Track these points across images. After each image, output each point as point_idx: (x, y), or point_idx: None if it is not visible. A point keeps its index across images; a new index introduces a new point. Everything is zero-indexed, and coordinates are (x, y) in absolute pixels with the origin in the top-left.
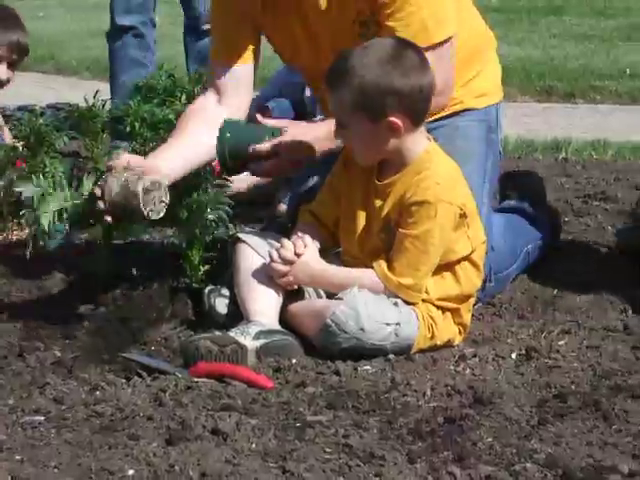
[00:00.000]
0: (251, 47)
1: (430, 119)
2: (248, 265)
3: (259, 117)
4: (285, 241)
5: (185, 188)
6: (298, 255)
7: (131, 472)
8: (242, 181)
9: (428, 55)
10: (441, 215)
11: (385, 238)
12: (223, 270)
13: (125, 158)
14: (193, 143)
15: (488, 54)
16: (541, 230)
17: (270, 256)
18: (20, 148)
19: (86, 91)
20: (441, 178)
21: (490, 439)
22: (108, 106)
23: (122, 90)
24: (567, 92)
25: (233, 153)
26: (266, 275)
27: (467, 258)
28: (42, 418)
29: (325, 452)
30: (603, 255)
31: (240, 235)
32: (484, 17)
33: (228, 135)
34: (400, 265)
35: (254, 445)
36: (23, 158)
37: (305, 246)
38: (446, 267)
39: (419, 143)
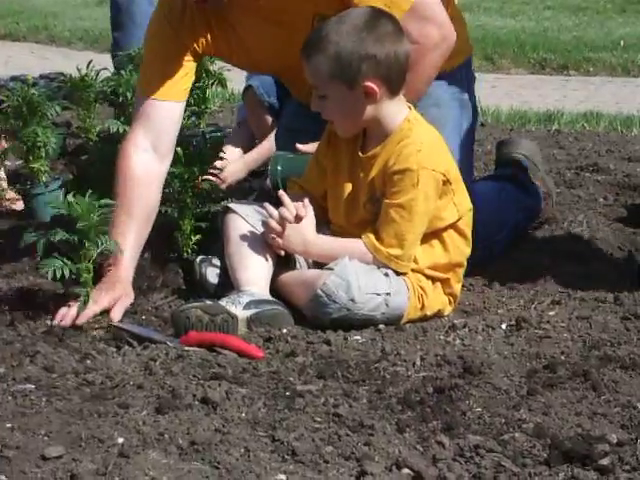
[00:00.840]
0: (187, 84)
1: None
2: (239, 235)
3: (299, 146)
4: (289, 201)
5: (177, 159)
6: (299, 218)
7: (121, 440)
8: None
9: (412, 16)
10: (424, 182)
11: (371, 209)
12: (214, 240)
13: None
14: (148, 216)
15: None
16: (534, 200)
17: (269, 213)
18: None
19: (79, 61)
20: (422, 145)
21: (479, 409)
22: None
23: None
24: (560, 64)
25: (284, 182)
26: (257, 244)
27: (454, 226)
28: (32, 386)
29: (314, 421)
30: (594, 226)
31: (230, 205)
32: None
33: (279, 168)
34: (388, 236)
35: (244, 414)
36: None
37: (305, 215)
38: (434, 235)
39: (399, 112)
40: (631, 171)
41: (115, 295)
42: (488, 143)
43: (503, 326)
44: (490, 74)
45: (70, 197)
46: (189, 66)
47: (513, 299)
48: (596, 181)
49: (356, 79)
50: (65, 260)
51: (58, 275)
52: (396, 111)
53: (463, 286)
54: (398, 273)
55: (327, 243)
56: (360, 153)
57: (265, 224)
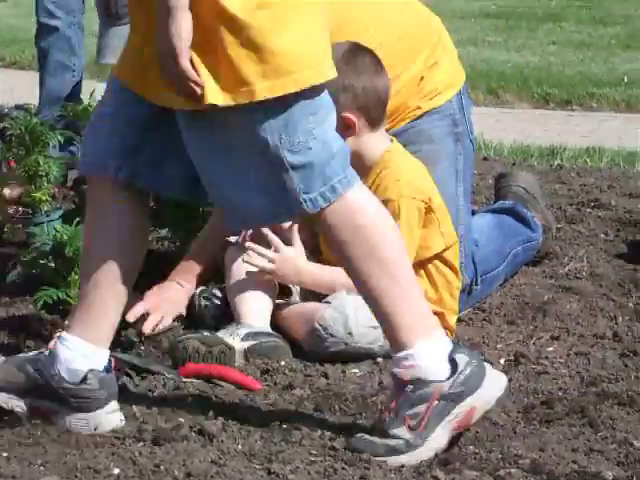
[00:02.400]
0: None
1: (389, 126)
2: (239, 268)
3: None
4: (271, 236)
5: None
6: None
7: (117, 471)
8: None
9: None
10: (405, 211)
11: None
12: (215, 271)
13: None
14: None
15: (436, 52)
16: (533, 232)
17: (252, 250)
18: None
19: (82, 91)
20: (401, 174)
21: (475, 444)
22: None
23: (50, 96)
24: (564, 99)
25: None
26: (258, 278)
27: (440, 257)
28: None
29: (311, 454)
30: (595, 262)
31: (231, 239)
32: (482, 23)
33: None
34: None
35: (240, 446)
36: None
37: (293, 243)
38: (421, 266)
39: (379, 146)
40: (633, 207)
41: None
42: (490, 177)
43: (502, 361)
44: (494, 108)
45: (57, 226)
46: None
47: (512, 334)
48: (597, 217)
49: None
50: (54, 289)
51: (49, 301)
52: (377, 145)
53: (462, 320)
54: None
55: (320, 269)
56: None
57: (256, 258)
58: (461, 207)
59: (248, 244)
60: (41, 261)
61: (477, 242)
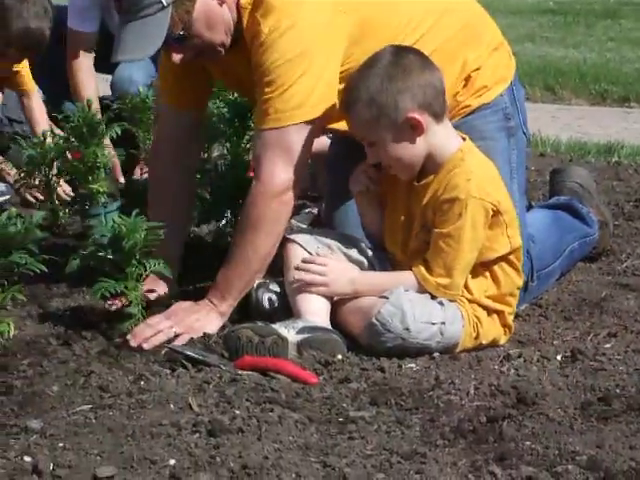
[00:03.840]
0: (202, 92)
1: None
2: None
3: None
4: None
5: (234, 182)
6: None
7: (172, 462)
8: None
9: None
10: (472, 211)
11: (423, 238)
12: (272, 264)
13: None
14: (185, 221)
15: (482, 45)
16: (589, 227)
17: (302, 268)
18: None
19: None
20: (472, 174)
21: (532, 440)
22: None
23: None
24: (622, 96)
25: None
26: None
27: (506, 258)
28: (86, 406)
29: (366, 448)
30: None
31: (290, 235)
32: (540, 19)
33: None
34: (437, 265)
35: (296, 439)
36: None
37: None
38: (486, 266)
39: (450, 142)
40: None
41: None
42: (547, 173)
43: (558, 357)
44: (551, 105)
45: (116, 217)
46: (202, 77)
47: (569, 330)
48: None
49: (398, 115)
50: (112, 281)
51: (107, 294)
52: (447, 141)
53: (519, 316)
54: (453, 302)
55: (376, 277)
56: (415, 182)
57: (305, 279)
58: (516, 204)
59: (297, 264)
60: (99, 253)
61: (533, 238)
